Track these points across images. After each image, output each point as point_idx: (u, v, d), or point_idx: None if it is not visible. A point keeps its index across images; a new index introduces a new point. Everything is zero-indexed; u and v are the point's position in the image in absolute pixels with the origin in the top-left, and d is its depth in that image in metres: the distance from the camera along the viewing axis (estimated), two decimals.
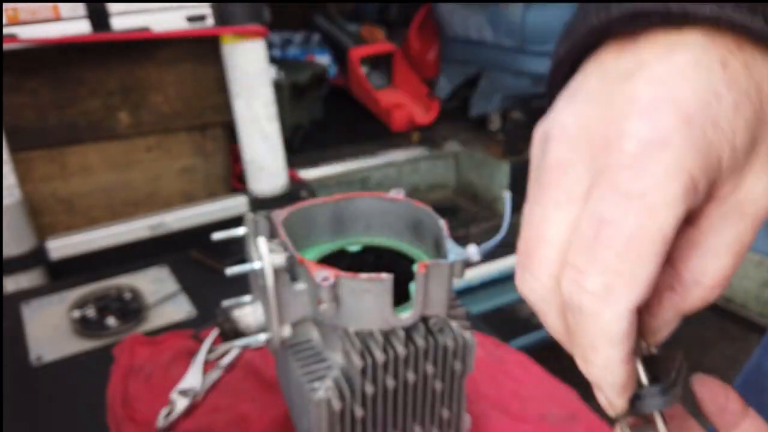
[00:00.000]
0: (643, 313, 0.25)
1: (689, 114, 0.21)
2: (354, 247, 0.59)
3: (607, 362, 0.23)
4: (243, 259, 0.54)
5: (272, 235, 0.54)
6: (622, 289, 0.22)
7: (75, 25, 1.08)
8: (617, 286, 0.22)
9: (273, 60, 2.09)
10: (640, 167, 0.21)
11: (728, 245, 0.23)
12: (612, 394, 0.24)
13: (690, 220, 0.23)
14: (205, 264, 1.02)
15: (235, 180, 1.44)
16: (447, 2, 2.21)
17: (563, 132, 0.24)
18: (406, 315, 0.49)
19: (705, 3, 0.21)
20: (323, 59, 2.60)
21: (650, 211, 0.21)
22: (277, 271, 0.47)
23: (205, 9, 1.17)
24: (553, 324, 0.25)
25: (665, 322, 0.25)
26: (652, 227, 0.21)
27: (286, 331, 0.50)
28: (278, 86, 1.91)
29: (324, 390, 0.48)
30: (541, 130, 0.25)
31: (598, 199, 0.22)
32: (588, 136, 0.23)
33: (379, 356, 0.48)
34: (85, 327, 0.85)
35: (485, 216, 2.02)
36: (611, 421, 0.27)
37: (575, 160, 0.23)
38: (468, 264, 0.50)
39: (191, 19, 1.16)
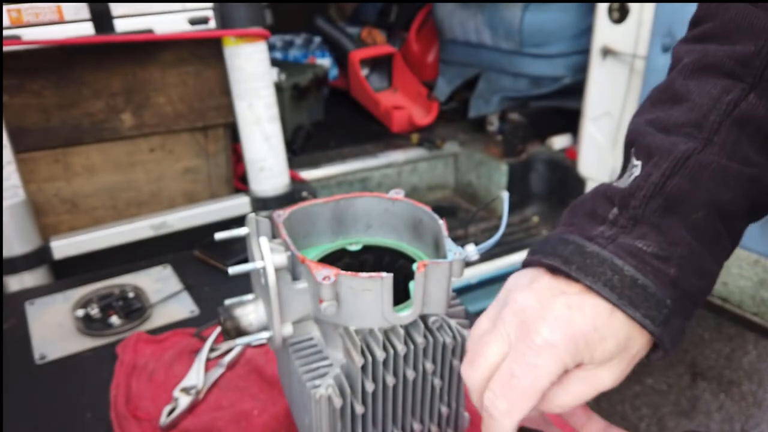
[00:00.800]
0: None
1: (573, 334, 0.38)
2: (354, 247, 0.60)
3: None
4: (245, 259, 0.55)
5: (274, 235, 0.55)
6: (516, 412, 0.39)
7: (78, 27, 1.08)
8: (513, 410, 0.39)
9: (275, 62, 2.10)
10: (537, 352, 0.38)
11: (574, 394, 0.40)
12: None
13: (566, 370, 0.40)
14: (207, 263, 1.03)
15: (237, 180, 1.45)
16: (447, 2, 2.22)
17: (514, 305, 0.41)
18: (406, 313, 0.49)
19: (601, 283, 0.38)
20: (324, 61, 2.61)
21: (537, 375, 0.38)
22: (278, 271, 0.48)
23: (208, 12, 1.18)
24: (475, 399, 0.42)
25: (535, 411, 0.42)
26: (537, 384, 0.38)
27: (288, 329, 0.51)
28: (280, 88, 1.92)
29: (325, 387, 0.49)
30: (508, 291, 0.43)
31: (513, 359, 0.39)
32: (523, 316, 0.40)
33: (379, 354, 0.49)
34: (88, 326, 0.86)
35: (484, 216, 2.03)
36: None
37: (513, 324, 0.40)
38: (467, 263, 0.51)
39: (194, 21, 1.17)
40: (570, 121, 1.94)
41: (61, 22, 1.07)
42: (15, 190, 1.08)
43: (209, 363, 0.75)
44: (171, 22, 1.15)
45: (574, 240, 0.41)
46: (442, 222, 0.54)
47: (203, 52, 1.26)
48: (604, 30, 1.60)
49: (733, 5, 0.43)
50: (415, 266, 0.48)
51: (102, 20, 1.09)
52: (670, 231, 0.39)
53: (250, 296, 0.54)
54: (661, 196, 0.39)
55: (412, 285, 0.49)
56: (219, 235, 0.55)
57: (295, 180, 1.42)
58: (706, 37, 0.45)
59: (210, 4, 1.18)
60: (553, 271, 0.41)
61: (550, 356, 0.38)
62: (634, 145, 0.43)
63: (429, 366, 0.52)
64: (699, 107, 0.41)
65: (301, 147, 2.03)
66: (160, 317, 0.88)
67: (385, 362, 0.50)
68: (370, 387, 0.49)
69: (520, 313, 0.40)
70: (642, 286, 0.38)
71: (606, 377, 0.40)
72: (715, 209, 0.40)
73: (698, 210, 0.39)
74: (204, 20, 1.17)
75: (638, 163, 0.42)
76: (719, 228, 0.41)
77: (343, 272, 0.47)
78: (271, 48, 2.50)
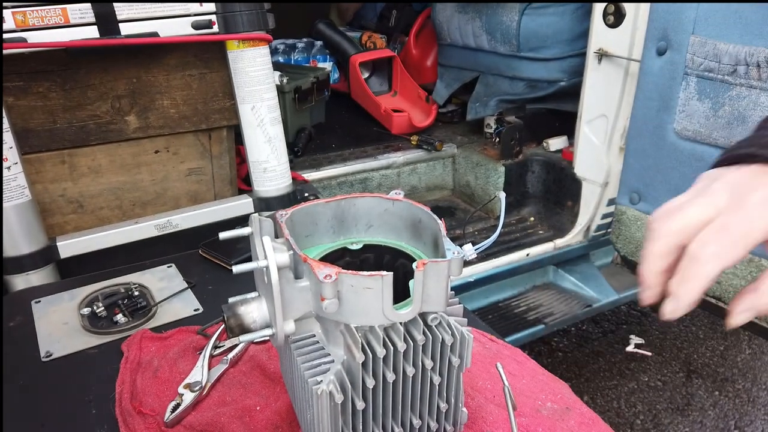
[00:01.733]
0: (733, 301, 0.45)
1: None
2: (355, 246, 0.61)
3: (695, 288, 0.42)
4: (249, 258, 0.56)
5: (277, 234, 0.56)
6: (724, 257, 0.41)
7: (84, 30, 1.09)
8: (722, 255, 0.41)
9: (277, 66, 2.11)
10: (754, 207, 0.42)
11: None
12: (687, 300, 0.43)
13: None
14: (211, 262, 1.04)
15: (240, 181, 1.46)
16: (446, 1, 2.23)
17: (725, 179, 0.45)
18: (406, 311, 0.50)
19: None
20: (326, 65, 2.62)
21: (752, 228, 0.41)
22: (281, 269, 0.49)
23: (212, 16, 1.19)
24: (657, 249, 0.45)
25: (743, 309, 0.44)
26: (751, 235, 0.41)
27: (290, 326, 0.52)
28: (282, 91, 1.93)
29: (326, 383, 0.49)
30: (712, 178, 0.46)
31: (727, 214, 0.42)
32: (736, 187, 0.44)
33: (380, 351, 0.49)
34: (94, 323, 0.87)
35: (481, 216, 2.04)
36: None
37: (724, 192, 0.44)
38: (465, 262, 0.52)
39: (197, 26, 1.18)
40: (566, 124, 1.96)
41: (67, 25, 1.08)
42: (21, 191, 1.09)
43: (213, 360, 0.76)
44: (175, 27, 1.16)
45: None
46: (440, 222, 0.55)
47: (207, 56, 1.28)
48: (600, 34, 1.61)
49: None
50: (414, 265, 0.49)
51: (107, 24, 1.11)
52: None
53: (253, 294, 0.55)
54: None
55: (411, 283, 0.50)
56: (223, 235, 0.55)
57: (297, 181, 1.43)
58: None
59: (213, 7, 1.19)
60: (751, 160, 0.45)
61: (766, 212, 0.41)
62: None
63: (428, 362, 0.52)
64: None
65: (303, 148, 2.04)
66: (164, 315, 0.89)
67: (385, 359, 0.51)
68: (370, 383, 0.50)
69: (733, 185, 0.44)
70: None
71: None
72: None
73: None
74: (208, 24, 1.19)
75: None
76: None
77: (345, 271, 0.48)
78: (274, 52, 2.51)
